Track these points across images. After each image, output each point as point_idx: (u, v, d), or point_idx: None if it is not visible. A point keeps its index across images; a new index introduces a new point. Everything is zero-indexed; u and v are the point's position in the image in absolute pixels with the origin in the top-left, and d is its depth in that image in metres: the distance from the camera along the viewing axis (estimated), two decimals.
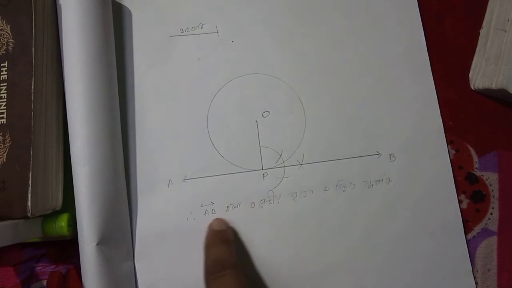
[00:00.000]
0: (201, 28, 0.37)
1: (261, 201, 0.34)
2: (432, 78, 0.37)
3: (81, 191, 0.30)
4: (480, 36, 0.37)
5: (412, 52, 0.37)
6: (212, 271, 0.29)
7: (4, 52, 0.30)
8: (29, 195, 0.29)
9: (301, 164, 0.35)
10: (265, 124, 0.35)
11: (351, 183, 0.35)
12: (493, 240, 0.35)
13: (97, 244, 0.30)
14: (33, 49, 0.30)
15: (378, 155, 0.35)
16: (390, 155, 0.35)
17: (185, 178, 0.34)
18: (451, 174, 0.35)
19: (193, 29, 0.37)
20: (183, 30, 0.36)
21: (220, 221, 0.33)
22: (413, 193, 0.35)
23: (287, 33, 0.37)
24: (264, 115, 0.35)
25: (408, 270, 0.34)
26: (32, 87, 0.30)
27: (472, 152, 0.36)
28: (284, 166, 0.35)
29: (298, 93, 0.36)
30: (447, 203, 0.35)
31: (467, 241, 0.34)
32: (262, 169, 0.35)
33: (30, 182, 0.29)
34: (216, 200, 0.34)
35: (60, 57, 0.33)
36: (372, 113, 0.36)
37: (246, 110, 0.36)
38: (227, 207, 0.34)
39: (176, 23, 0.37)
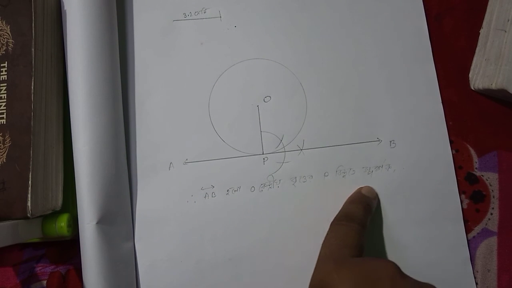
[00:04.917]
0: (204, 12, 0.37)
1: (261, 186, 0.34)
2: (434, 66, 0.37)
3: (81, 171, 0.30)
4: (480, 36, 0.37)
5: (414, 39, 0.37)
6: (340, 218, 0.30)
7: (4, 52, 0.30)
8: (29, 196, 0.29)
9: (301, 149, 0.35)
10: (266, 109, 0.36)
11: (350, 169, 0.35)
12: (493, 240, 0.35)
13: (97, 223, 0.30)
14: (32, 50, 0.30)
15: (379, 142, 0.35)
16: (390, 141, 0.35)
17: (186, 161, 0.34)
18: (451, 162, 0.35)
19: (196, 13, 0.37)
20: (186, 14, 0.37)
21: (370, 189, 0.34)
22: (413, 180, 0.35)
23: (289, 19, 0.37)
24: (265, 100, 0.36)
25: (406, 259, 0.34)
26: (32, 87, 0.30)
27: (472, 152, 0.36)
28: (285, 151, 0.35)
29: (300, 79, 0.36)
30: (447, 191, 0.35)
31: (467, 241, 0.34)
32: (263, 153, 0.35)
33: (30, 182, 0.29)
34: (216, 184, 0.34)
35: (61, 57, 0.33)
36: (373, 100, 0.36)
37: (247, 94, 0.36)
38: (227, 190, 0.34)
39: (179, 7, 0.37)
